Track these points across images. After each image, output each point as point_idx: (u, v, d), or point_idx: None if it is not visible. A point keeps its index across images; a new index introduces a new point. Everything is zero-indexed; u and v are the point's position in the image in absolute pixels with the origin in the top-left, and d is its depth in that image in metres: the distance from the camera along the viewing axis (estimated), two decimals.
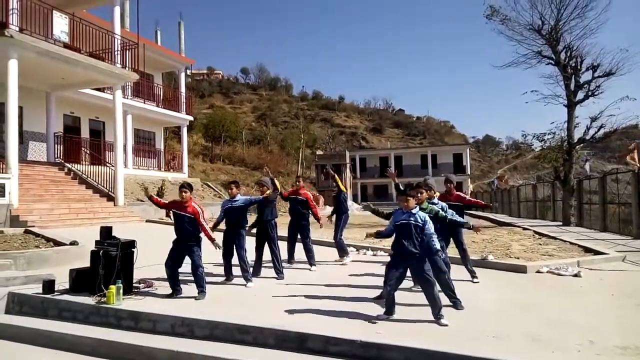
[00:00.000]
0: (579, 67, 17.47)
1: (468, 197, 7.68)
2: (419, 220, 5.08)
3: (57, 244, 9.36)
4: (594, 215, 16.50)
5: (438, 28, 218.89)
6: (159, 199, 6.75)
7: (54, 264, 8.13)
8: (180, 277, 6.34)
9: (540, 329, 4.66)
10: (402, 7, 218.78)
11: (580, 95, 17.58)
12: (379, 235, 5.43)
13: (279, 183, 8.05)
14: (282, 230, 8.58)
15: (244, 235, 7.19)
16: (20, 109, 16.17)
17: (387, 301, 5.14)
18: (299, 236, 8.64)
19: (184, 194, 6.27)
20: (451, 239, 7.10)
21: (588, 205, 17.20)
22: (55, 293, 6.10)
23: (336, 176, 9.26)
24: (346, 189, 9.36)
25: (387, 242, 11.02)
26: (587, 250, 9.91)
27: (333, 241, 9.43)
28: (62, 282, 6.33)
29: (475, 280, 7.15)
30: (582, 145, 18.06)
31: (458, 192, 7.49)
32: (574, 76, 17.54)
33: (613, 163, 66.40)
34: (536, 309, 5.53)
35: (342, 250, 9.22)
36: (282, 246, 8.15)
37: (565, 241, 11.40)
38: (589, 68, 17.27)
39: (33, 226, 11.99)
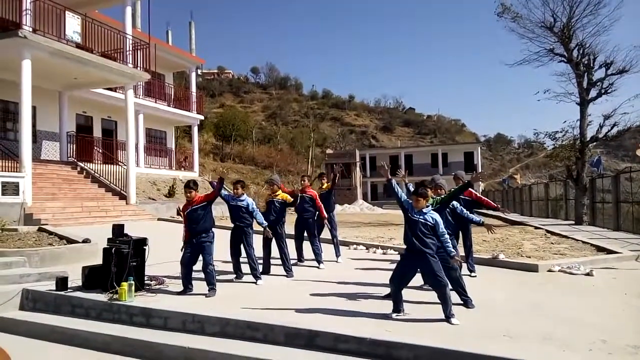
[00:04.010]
0: (591, 65, 17.30)
1: (479, 194, 7.71)
2: (429, 221, 5.02)
3: (70, 241, 9.46)
4: (607, 214, 16.33)
5: (450, 26, 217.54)
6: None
7: (67, 261, 8.22)
8: (192, 275, 6.39)
9: (551, 328, 4.62)
10: (413, 6, 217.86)
11: (593, 93, 17.41)
12: (390, 182, 5.32)
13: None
14: (290, 229, 8.61)
15: (251, 233, 7.19)
16: (34, 108, 16.30)
17: (395, 299, 5.13)
18: (305, 234, 8.64)
19: (188, 194, 6.34)
20: (460, 233, 7.18)
21: (601, 204, 17.01)
22: (68, 290, 6.18)
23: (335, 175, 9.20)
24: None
25: (397, 241, 11.02)
26: (600, 249, 9.81)
27: (335, 239, 9.24)
28: (75, 279, 6.40)
29: (472, 274, 7.33)
30: (595, 143, 17.87)
31: (470, 189, 7.50)
32: (586, 74, 17.37)
33: (627, 161, 65.62)
34: (547, 308, 5.48)
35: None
36: (291, 244, 8.18)
37: (577, 240, 11.30)
38: (602, 65, 17.11)
39: (46, 224, 12.14)
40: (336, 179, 9.26)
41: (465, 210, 6.79)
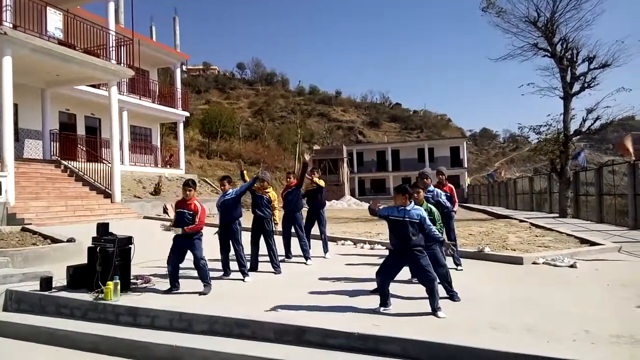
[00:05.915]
0: (574, 59, 17.51)
1: (455, 196, 7.77)
2: (414, 217, 5.01)
3: (54, 241, 9.35)
4: (590, 206, 16.58)
5: (435, 21, 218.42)
6: (171, 218, 6.54)
7: (52, 261, 8.13)
8: (179, 274, 6.35)
9: (536, 319, 4.69)
10: (401, 4, 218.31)
11: (576, 87, 17.63)
12: (372, 212, 5.26)
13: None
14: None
15: (239, 229, 7.16)
16: (15, 106, 16.10)
17: (382, 293, 5.15)
18: (292, 230, 8.63)
19: (188, 192, 6.28)
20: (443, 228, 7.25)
21: (584, 197, 17.27)
22: (53, 290, 6.11)
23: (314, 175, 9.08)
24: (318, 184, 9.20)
25: (385, 236, 11.06)
26: (583, 241, 9.96)
27: (323, 235, 9.23)
28: (60, 279, 6.33)
29: (459, 268, 7.40)
30: (578, 137, 18.12)
31: (451, 185, 7.67)
32: (569, 68, 17.58)
33: (609, 155, 66.61)
34: (532, 300, 5.56)
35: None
36: (278, 241, 8.17)
37: (561, 233, 11.46)
38: (584, 60, 17.32)
39: (30, 224, 11.97)
40: (306, 168, 8.67)
41: (448, 203, 6.92)
